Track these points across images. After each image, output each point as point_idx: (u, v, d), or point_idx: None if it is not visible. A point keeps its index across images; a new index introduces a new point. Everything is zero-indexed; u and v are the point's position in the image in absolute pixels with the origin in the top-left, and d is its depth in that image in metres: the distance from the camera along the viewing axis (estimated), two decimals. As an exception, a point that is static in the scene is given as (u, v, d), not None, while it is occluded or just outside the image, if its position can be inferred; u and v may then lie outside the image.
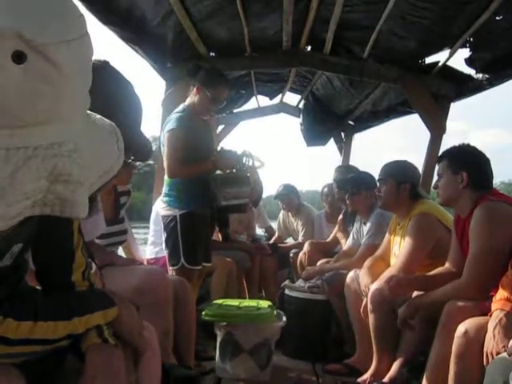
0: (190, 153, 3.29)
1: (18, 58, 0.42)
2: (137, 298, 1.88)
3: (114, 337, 1.31)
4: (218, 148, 3.58)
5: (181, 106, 3.45)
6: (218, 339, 3.16)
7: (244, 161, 3.47)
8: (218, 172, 3.45)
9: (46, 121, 0.44)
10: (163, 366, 1.62)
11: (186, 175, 3.36)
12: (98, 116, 0.60)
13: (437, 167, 2.84)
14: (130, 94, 1.26)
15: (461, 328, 2.13)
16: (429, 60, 4.63)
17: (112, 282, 1.80)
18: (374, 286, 3.02)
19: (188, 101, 3.44)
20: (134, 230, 4.19)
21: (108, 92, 1.09)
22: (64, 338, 1.20)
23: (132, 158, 1.41)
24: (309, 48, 4.80)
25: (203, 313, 3.14)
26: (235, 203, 3.43)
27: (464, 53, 4.14)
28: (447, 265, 2.76)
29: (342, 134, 7.52)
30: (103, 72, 1.16)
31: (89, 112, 0.57)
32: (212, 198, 3.40)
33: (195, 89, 3.39)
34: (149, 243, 3.99)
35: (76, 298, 1.32)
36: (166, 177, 3.46)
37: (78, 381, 1.22)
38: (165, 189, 3.47)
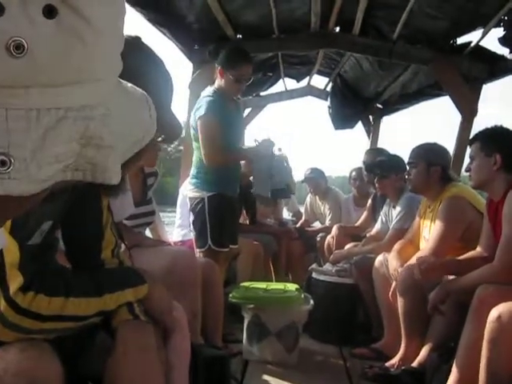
0: (223, 139, 3.27)
1: (49, 12, 0.40)
2: (165, 278, 1.88)
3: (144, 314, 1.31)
4: (254, 141, 3.56)
5: (210, 89, 3.38)
6: (245, 322, 3.17)
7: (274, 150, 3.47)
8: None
9: (77, 81, 0.43)
10: (192, 346, 1.62)
11: (225, 163, 3.37)
12: (130, 84, 0.58)
13: (468, 150, 2.77)
14: (162, 71, 1.23)
15: (494, 313, 2.08)
16: (460, 40, 4.51)
17: (140, 262, 1.80)
18: (403, 270, 2.98)
19: (216, 83, 3.39)
20: (166, 215, 4.19)
21: (140, 68, 1.07)
22: (95, 314, 1.21)
23: (162, 137, 1.40)
24: (337, 29, 4.72)
25: (230, 295, 3.14)
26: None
27: (498, 32, 4.02)
28: (479, 249, 2.71)
29: (370, 117, 7.45)
30: (135, 47, 1.14)
31: (120, 79, 0.55)
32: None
33: (218, 72, 3.35)
34: (176, 226, 4.00)
35: (106, 274, 1.32)
36: (194, 158, 3.44)
37: (109, 357, 1.23)
38: (193, 171, 3.45)
